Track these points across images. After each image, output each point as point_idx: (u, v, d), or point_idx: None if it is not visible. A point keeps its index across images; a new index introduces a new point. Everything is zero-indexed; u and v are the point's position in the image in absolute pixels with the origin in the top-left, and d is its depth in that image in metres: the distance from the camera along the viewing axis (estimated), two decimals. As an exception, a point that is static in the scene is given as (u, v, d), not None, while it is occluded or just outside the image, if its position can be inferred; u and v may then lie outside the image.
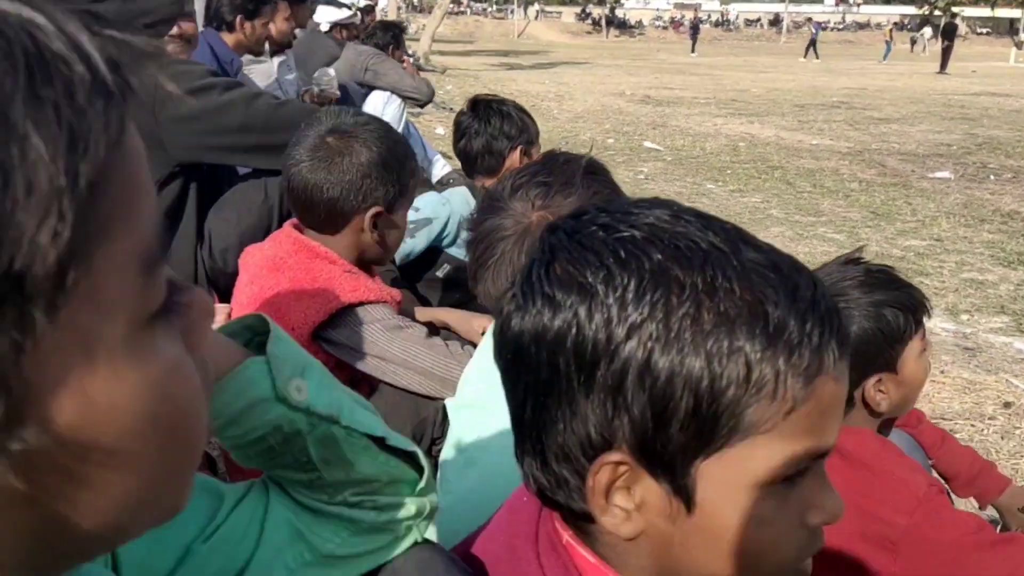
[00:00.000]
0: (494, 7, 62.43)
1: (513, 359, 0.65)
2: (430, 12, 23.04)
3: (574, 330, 0.60)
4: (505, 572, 0.72)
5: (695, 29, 36.44)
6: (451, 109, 10.80)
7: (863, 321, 1.32)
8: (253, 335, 0.75)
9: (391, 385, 1.55)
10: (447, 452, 1.50)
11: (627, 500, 0.64)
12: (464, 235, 1.24)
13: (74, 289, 0.34)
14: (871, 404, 1.35)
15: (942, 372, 3.23)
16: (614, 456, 0.62)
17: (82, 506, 0.38)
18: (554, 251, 0.63)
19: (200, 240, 2.27)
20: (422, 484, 0.79)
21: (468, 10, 62.80)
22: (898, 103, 14.17)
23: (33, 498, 0.36)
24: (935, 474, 1.66)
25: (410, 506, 0.79)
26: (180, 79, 2.13)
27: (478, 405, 1.22)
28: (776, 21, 60.72)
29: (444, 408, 1.62)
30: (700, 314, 0.59)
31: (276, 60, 4.63)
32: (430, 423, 1.60)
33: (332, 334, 1.53)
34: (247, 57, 4.10)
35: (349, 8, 5.92)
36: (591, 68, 22.30)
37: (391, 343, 1.50)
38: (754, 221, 5.78)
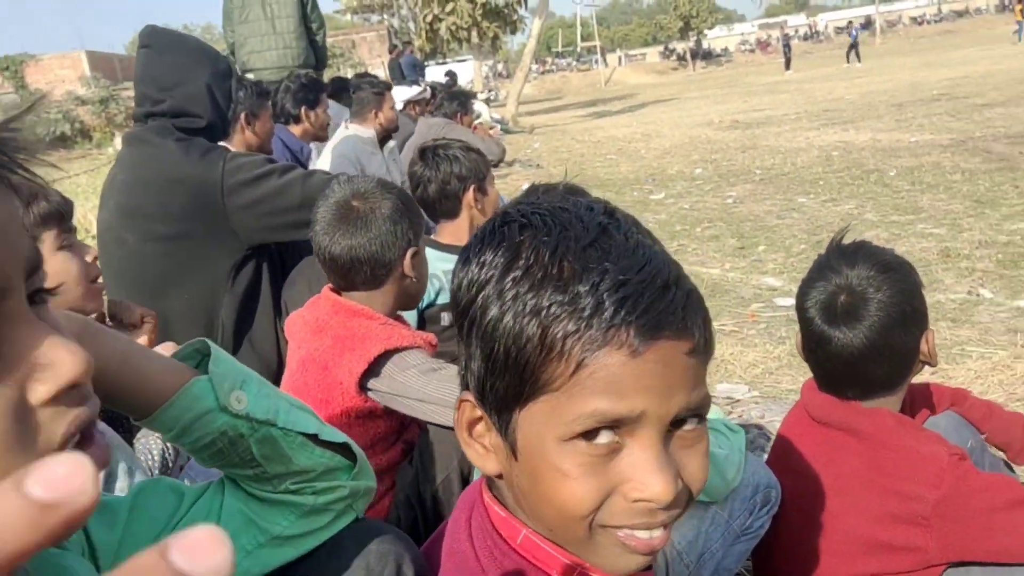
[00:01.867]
0: (577, 61, 63.39)
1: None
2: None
3: (457, 291, 0.74)
4: (449, 541, 0.81)
5: (787, 47, 35.02)
6: (538, 166, 11.01)
7: (906, 279, 1.37)
8: (202, 357, 0.89)
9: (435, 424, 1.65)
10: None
11: (487, 440, 0.74)
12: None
13: None
14: (932, 357, 1.40)
15: (1044, 351, 3.06)
16: (467, 395, 0.73)
17: None
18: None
19: (278, 314, 2.47)
20: (356, 470, 0.91)
21: (554, 67, 64.04)
22: (1003, 87, 13.44)
23: None
24: (991, 448, 1.61)
25: (345, 489, 0.90)
26: (241, 171, 2.36)
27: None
28: (868, 24, 58.94)
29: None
30: (524, 278, 0.68)
31: (387, 149, 4.93)
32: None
33: (374, 383, 1.64)
34: (364, 149, 4.42)
35: (419, 85, 6.25)
36: (679, 103, 22.23)
37: (427, 384, 1.60)
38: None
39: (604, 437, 0.68)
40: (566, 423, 0.67)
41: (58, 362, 0.53)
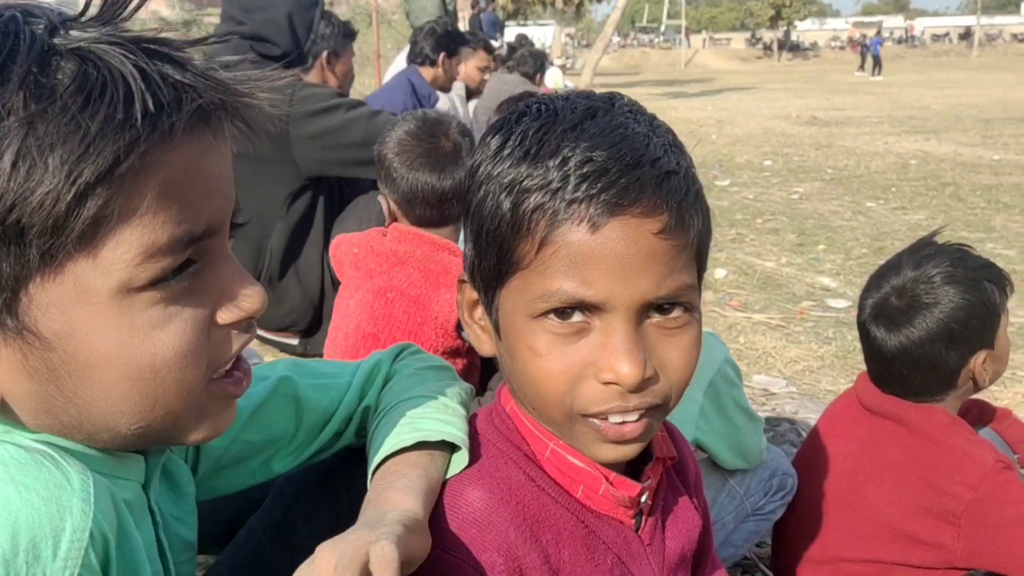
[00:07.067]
0: (660, 38, 62.28)
1: None
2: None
3: (464, 179, 0.81)
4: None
5: (864, 47, 33.69)
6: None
7: (967, 295, 1.31)
8: None
9: None
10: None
11: (485, 322, 0.77)
12: None
13: (71, 246, 0.51)
14: (979, 380, 1.35)
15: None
16: (465, 277, 0.77)
17: (77, 398, 0.56)
18: None
19: (327, 246, 2.50)
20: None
21: (635, 42, 63.06)
22: (1102, 113, 12.87)
23: (34, 373, 0.54)
24: (1022, 470, 1.57)
25: None
26: (309, 101, 2.38)
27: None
28: (967, 34, 56.68)
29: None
30: (507, 158, 0.70)
31: (471, 104, 5.02)
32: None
33: None
34: (458, 95, 4.48)
35: (496, 43, 6.22)
36: (757, 92, 21.75)
37: None
38: (913, 238, 5.47)
39: (574, 316, 0.69)
40: (533, 300, 0.69)
41: (245, 296, 0.63)
